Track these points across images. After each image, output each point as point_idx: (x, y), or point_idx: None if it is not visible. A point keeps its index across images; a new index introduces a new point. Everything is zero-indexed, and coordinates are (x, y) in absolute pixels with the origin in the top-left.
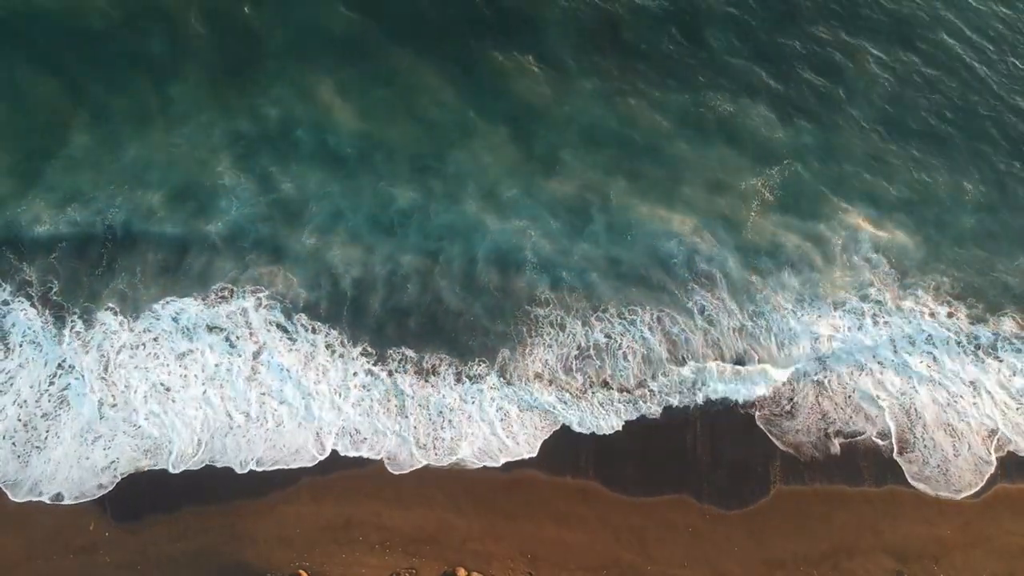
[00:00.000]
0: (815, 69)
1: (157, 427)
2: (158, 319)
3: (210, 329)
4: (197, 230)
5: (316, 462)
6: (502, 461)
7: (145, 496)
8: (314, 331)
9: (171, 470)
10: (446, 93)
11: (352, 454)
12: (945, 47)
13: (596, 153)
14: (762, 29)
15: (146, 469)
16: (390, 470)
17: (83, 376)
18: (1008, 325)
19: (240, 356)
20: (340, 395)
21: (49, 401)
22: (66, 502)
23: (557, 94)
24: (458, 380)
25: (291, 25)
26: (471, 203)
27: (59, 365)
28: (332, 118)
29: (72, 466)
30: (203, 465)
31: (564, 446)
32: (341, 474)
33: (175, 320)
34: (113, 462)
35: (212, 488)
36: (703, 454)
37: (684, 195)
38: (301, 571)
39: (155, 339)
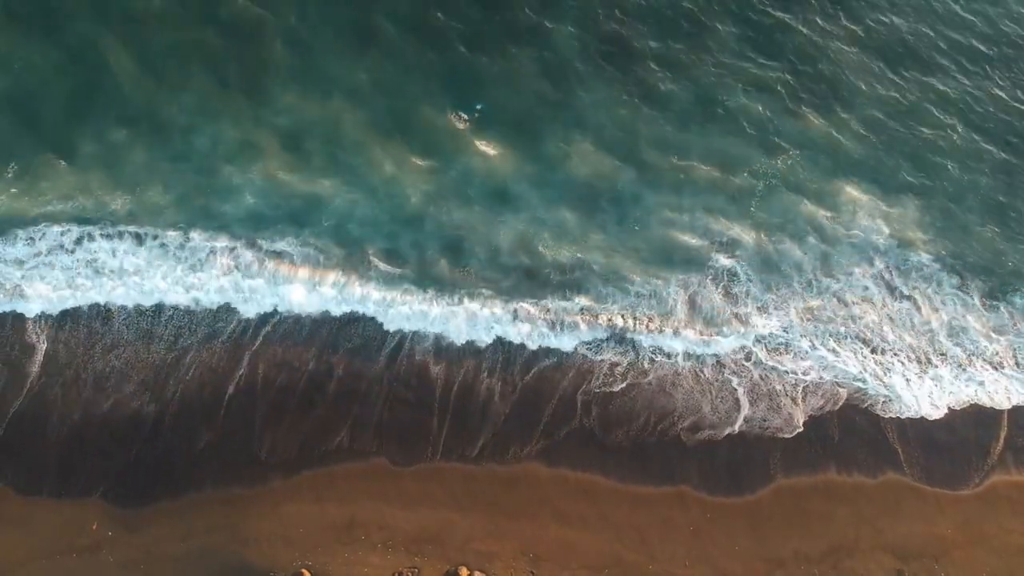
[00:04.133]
0: (820, 59)
1: None
2: None
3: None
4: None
5: None
6: None
7: (148, 495)
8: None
9: None
10: (451, 93)
11: None
12: (953, 34)
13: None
14: (767, 22)
15: None
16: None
17: None
18: None
19: None
20: None
21: None
22: None
23: (564, 91)
24: None
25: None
26: (481, 200)
27: None
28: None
29: None
30: None
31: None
32: (344, 468)
33: None
34: None
35: (216, 483)
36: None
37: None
38: (304, 570)
39: None
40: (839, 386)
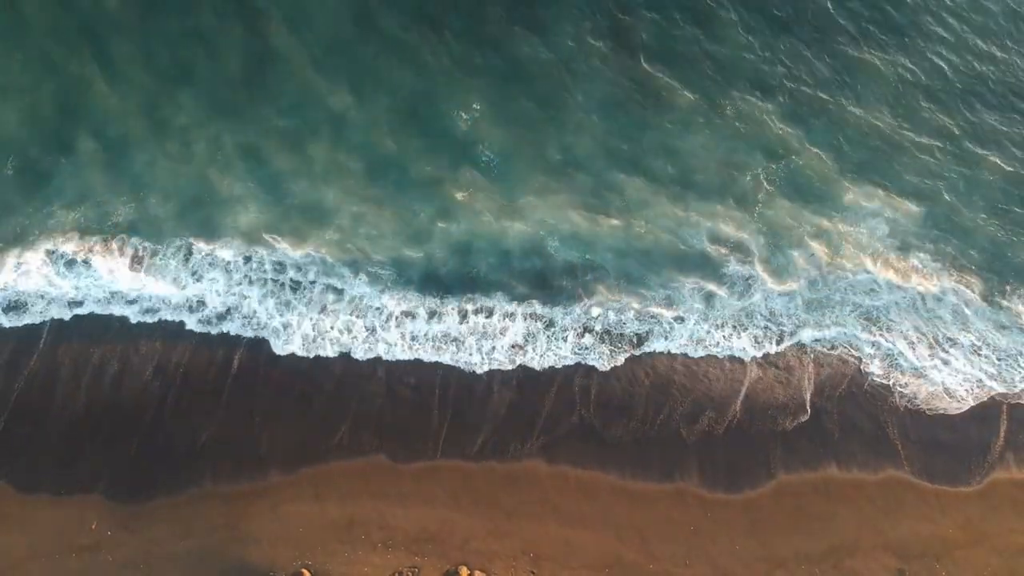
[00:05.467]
0: (824, 65)
1: None
2: None
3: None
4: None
5: None
6: None
7: (147, 495)
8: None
9: None
10: (454, 97)
11: None
12: (952, 34)
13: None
14: (771, 25)
15: None
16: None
17: None
18: None
19: None
20: None
21: None
22: None
23: (564, 95)
24: None
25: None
26: (488, 213)
27: None
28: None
29: None
30: None
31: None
32: (343, 466)
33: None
34: None
35: (215, 480)
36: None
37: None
38: (304, 570)
39: None
40: (849, 357)
